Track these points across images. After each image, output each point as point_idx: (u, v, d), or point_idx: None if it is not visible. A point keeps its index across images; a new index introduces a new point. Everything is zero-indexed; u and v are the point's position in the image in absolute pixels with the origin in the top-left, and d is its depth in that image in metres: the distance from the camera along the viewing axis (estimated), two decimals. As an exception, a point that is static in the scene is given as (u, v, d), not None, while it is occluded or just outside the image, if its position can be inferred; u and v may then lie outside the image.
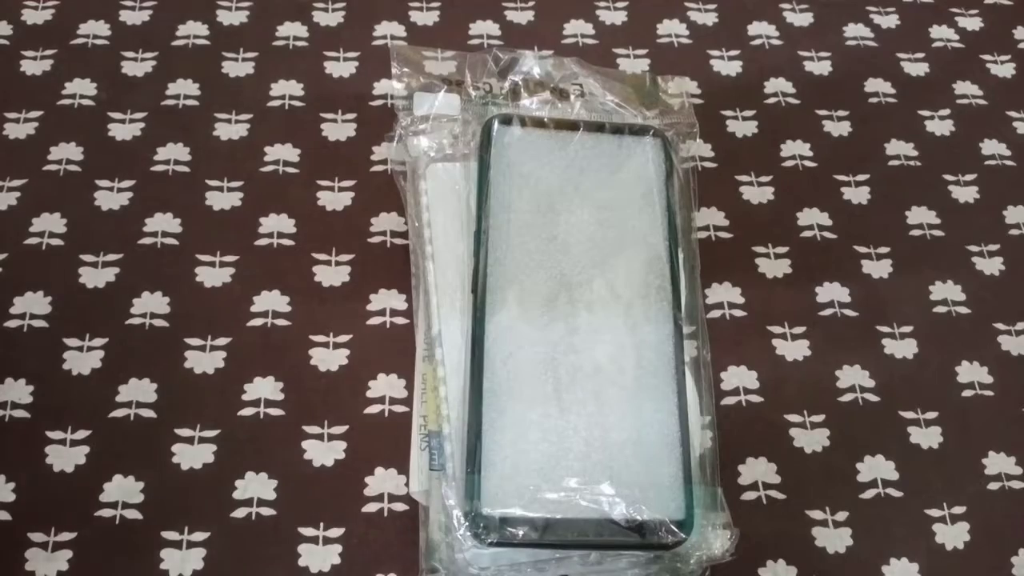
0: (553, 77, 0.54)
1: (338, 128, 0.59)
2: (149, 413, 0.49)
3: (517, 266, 0.46)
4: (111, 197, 0.55)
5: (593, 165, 0.49)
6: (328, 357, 0.51)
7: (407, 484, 0.47)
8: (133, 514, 0.46)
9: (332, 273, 0.54)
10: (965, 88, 0.65)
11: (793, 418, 0.51)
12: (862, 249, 0.57)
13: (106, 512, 0.46)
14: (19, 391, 0.49)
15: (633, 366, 0.45)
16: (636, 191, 0.49)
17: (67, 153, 0.57)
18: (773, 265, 0.56)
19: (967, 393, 0.53)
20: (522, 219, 0.47)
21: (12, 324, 0.51)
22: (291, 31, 0.63)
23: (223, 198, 0.56)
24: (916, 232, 0.58)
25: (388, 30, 0.64)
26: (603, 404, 0.44)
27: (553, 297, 0.45)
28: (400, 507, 0.47)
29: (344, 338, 0.52)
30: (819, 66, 0.65)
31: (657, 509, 0.41)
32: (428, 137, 0.51)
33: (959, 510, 0.49)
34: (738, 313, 0.54)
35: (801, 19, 0.67)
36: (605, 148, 0.50)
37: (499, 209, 0.47)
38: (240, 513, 0.47)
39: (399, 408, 0.50)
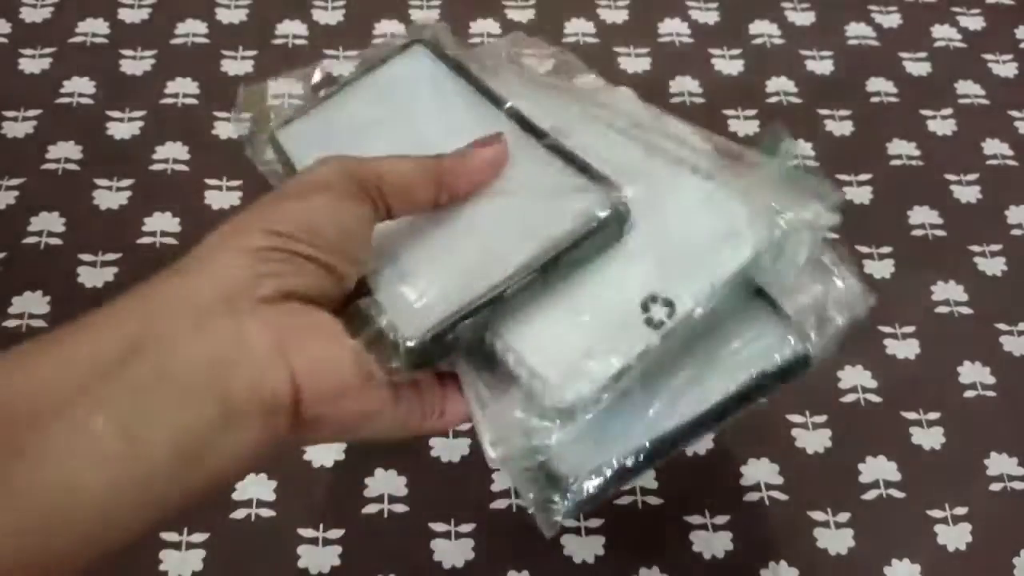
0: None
1: (338, 127, 0.59)
2: (148, 413, 0.49)
3: None
4: (110, 196, 0.55)
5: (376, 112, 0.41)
6: (328, 357, 0.51)
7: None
8: (132, 515, 0.46)
9: (332, 273, 0.53)
10: (967, 87, 0.64)
11: (795, 418, 0.51)
12: (864, 249, 0.57)
13: (105, 513, 0.46)
14: (17, 391, 0.49)
15: None
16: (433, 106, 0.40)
17: (66, 152, 0.57)
18: (774, 265, 0.56)
19: (969, 394, 0.53)
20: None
21: (11, 324, 0.50)
22: (290, 29, 0.63)
23: (222, 197, 0.56)
24: (918, 232, 0.58)
25: (388, 28, 0.63)
26: None
27: None
28: (400, 508, 0.47)
29: (344, 338, 0.51)
30: (821, 65, 0.65)
31: (578, 218, 0.33)
32: None
33: (961, 511, 0.49)
34: (739, 313, 0.54)
35: (803, 18, 0.67)
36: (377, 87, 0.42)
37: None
38: (239, 514, 0.46)
39: (399, 408, 0.49)
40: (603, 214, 0.33)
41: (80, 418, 0.26)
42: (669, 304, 0.33)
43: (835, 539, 0.48)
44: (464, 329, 0.32)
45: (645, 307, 0.33)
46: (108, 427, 0.26)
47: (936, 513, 0.49)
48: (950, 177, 0.61)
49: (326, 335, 0.30)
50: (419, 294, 0.33)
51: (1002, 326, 0.55)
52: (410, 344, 0.31)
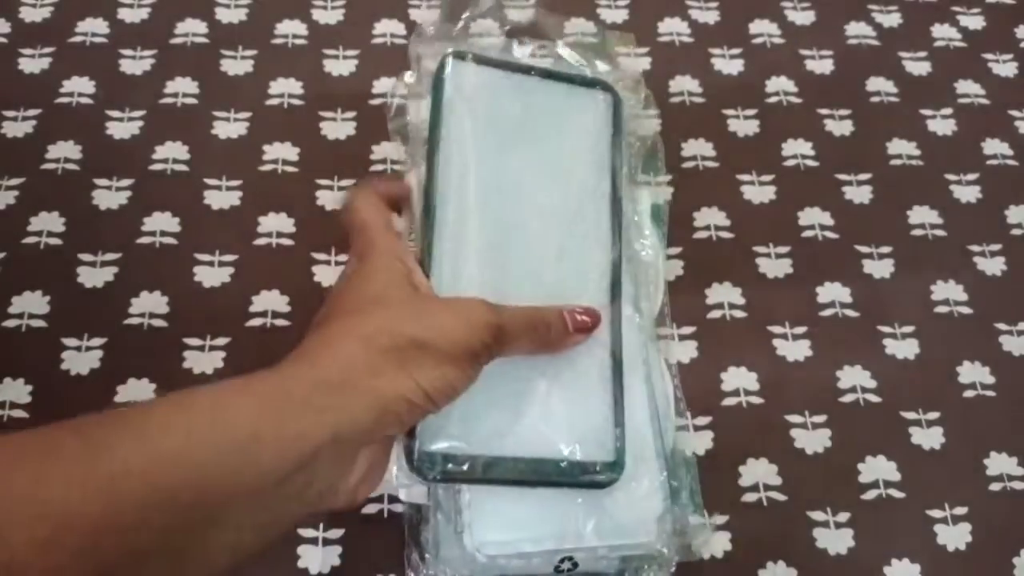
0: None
1: (337, 127, 0.59)
2: (148, 413, 0.49)
3: (466, 205, 0.44)
4: (109, 196, 0.55)
5: (543, 110, 0.48)
6: (327, 357, 0.51)
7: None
8: (132, 515, 0.46)
9: (332, 273, 0.53)
10: (967, 87, 0.64)
11: (794, 419, 0.51)
12: (863, 249, 0.57)
13: (105, 513, 0.46)
14: (18, 391, 0.49)
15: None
16: (583, 142, 0.48)
17: (65, 152, 0.57)
18: (774, 265, 0.56)
19: (969, 394, 0.53)
20: (472, 155, 0.45)
21: (10, 324, 0.50)
22: (290, 29, 0.63)
23: (222, 197, 0.56)
24: (918, 232, 0.58)
25: (388, 28, 0.63)
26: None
27: (495, 243, 0.43)
28: (400, 508, 0.47)
29: (344, 338, 0.51)
30: (821, 65, 0.64)
31: (590, 451, 0.41)
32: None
33: (961, 511, 0.49)
34: (738, 313, 0.54)
35: (803, 17, 0.67)
36: (556, 95, 0.49)
37: (451, 142, 0.45)
38: (239, 514, 0.46)
39: (399, 408, 0.49)
40: (608, 478, 0.41)
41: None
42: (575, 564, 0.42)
43: (835, 539, 0.48)
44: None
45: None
46: (244, 525, 0.31)
47: (936, 513, 0.49)
48: (950, 177, 0.60)
49: (387, 456, 0.37)
50: (453, 429, 0.39)
51: (1002, 326, 0.55)
52: (424, 480, 0.38)
